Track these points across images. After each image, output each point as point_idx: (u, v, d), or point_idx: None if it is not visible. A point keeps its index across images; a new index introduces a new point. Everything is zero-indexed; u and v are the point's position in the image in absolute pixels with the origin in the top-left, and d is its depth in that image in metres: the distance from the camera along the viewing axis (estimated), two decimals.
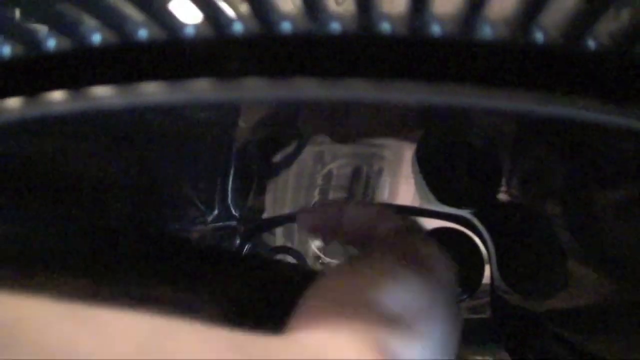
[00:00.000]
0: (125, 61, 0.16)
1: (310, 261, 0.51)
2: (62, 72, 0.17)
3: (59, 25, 0.16)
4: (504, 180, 0.42)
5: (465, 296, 0.49)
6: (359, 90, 0.15)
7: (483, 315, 0.49)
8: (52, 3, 0.15)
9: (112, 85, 0.16)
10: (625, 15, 0.14)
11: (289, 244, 0.51)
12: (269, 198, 0.49)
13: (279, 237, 0.52)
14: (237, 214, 0.45)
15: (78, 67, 0.17)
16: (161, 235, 0.35)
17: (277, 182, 0.49)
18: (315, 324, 0.16)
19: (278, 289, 0.24)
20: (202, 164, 0.40)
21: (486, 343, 0.46)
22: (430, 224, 0.48)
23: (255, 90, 0.15)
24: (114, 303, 0.13)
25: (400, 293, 0.18)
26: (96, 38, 0.16)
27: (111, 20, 0.16)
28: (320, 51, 0.16)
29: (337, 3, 0.15)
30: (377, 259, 0.20)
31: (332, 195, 0.49)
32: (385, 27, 0.15)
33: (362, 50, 0.16)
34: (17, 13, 0.16)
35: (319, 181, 0.49)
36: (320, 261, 0.52)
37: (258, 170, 0.46)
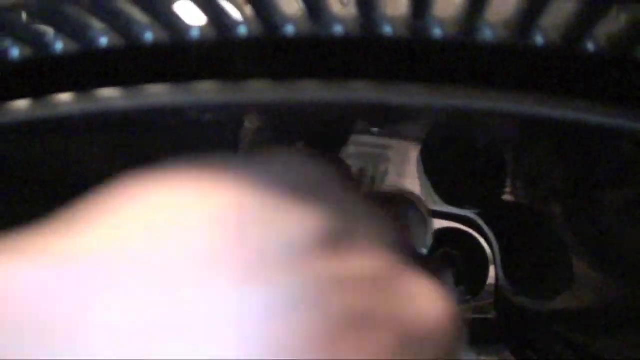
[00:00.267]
0: (132, 63, 0.17)
1: None
2: (69, 74, 0.17)
3: (67, 28, 0.16)
4: (508, 181, 0.42)
5: (469, 296, 0.49)
6: (361, 92, 0.15)
7: (487, 316, 0.49)
8: (60, 6, 0.15)
9: (118, 87, 0.16)
10: (624, 18, 0.14)
11: None
12: None
13: None
14: None
15: (85, 69, 0.17)
16: None
17: None
18: None
19: None
20: None
21: (490, 343, 0.46)
22: (435, 224, 0.48)
23: (260, 93, 0.16)
24: None
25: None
26: (103, 40, 0.16)
27: (117, 23, 0.16)
28: (324, 53, 0.16)
29: (343, 4, 0.15)
30: None
31: None
32: (388, 29, 0.15)
33: (365, 53, 0.16)
34: (25, 16, 0.16)
35: None
36: None
37: None
